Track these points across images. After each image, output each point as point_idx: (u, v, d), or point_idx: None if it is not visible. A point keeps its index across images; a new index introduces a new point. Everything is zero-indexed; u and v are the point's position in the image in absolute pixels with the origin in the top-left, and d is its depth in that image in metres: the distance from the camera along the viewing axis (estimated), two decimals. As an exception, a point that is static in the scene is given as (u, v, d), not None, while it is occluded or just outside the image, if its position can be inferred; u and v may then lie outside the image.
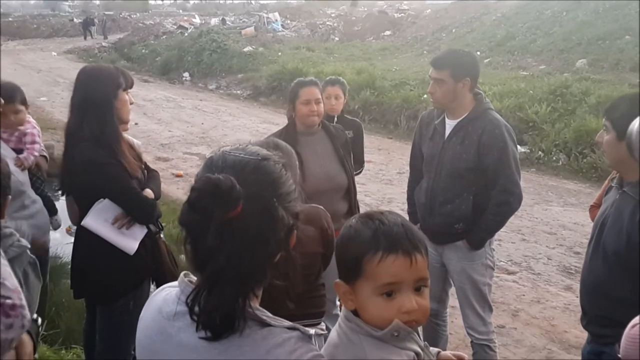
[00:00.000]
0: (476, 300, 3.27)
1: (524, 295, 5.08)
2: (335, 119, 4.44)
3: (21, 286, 1.77)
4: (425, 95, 12.53)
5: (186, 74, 20.82)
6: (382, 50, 22.41)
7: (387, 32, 26.46)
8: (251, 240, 1.13)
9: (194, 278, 1.23)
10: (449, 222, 3.25)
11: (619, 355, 2.34)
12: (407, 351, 1.28)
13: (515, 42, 17.89)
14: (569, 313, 4.74)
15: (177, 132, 12.08)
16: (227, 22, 29.18)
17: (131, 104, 2.92)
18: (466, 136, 3.19)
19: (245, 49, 21.06)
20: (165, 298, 1.27)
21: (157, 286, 3.05)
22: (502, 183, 3.16)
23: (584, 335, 4.38)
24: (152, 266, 2.91)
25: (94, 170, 2.72)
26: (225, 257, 1.12)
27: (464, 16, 23.89)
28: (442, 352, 1.46)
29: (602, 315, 2.46)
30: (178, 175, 8.73)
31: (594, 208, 3.35)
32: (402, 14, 29.24)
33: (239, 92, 18.03)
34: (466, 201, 3.20)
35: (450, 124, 3.26)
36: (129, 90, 2.93)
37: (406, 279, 1.26)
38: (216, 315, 1.11)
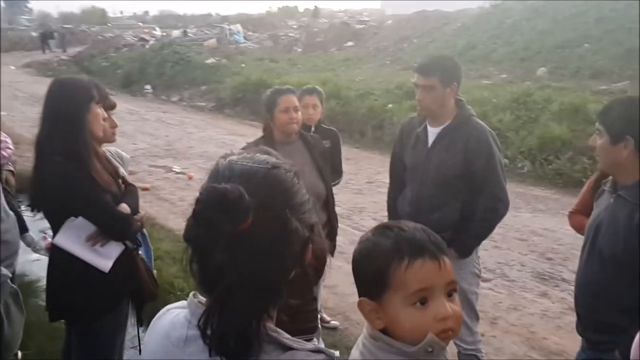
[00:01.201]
0: (464, 310, 3.19)
1: (500, 302, 5.07)
2: (313, 128, 4.37)
3: (1, 321, 1.63)
4: (390, 105, 12.60)
5: (148, 87, 20.53)
6: (345, 60, 22.49)
7: (350, 43, 26.59)
8: (264, 254, 1.04)
9: (204, 299, 1.12)
10: (436, 230, 3.18)
11: None
12: None
13: (476, 51, 18.14)
14: (547, 319, 4.75)
15: (142, 145, 11.85)
16: (189, 34, 28.98)
17: (104, 119, 2.79)
18: (451, 143, 3.16)
19: (208, 61, 20.90)
20: (172, 322, 1.15)
21: (136, 306, 2.94)
22: (490, 189, 3.14)
23: (564, 342, 4.44)
24: (130, 285, 2.78)
25: (65, 186, 2.59)
26: (236, 274, 1.02)
27: (425, 26, 24.18)
28: None
29: (600, 321, 2.44)
30: (144, 189, 8.53)
31: (573, 214, 3.35)
32: (364, 25, 29.46)
33: (203, 103, 17.84)
34: (453, 209, 3.17)
35: (433, 132, 3.22)
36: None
37: (437, 283, 1.21)
38: (230, 339, 1.01)
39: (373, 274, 1.24)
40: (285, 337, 1.07)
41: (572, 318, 4.53)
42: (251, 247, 1.03)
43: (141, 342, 3.31)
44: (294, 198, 1.10)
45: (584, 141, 9.23)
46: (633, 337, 2.24)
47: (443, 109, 3.18)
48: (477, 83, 14.35)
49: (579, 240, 5.86)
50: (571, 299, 4.87)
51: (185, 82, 19.76)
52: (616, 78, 12.70)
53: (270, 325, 1.08)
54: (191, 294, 1.14)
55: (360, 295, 1.28)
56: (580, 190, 3.35)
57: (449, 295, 1.23)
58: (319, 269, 2.52)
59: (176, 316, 1.16)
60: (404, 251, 1.21)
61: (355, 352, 1.28)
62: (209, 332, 1.03)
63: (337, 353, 1.08)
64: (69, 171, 2.60)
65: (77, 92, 2.68)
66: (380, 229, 1.29)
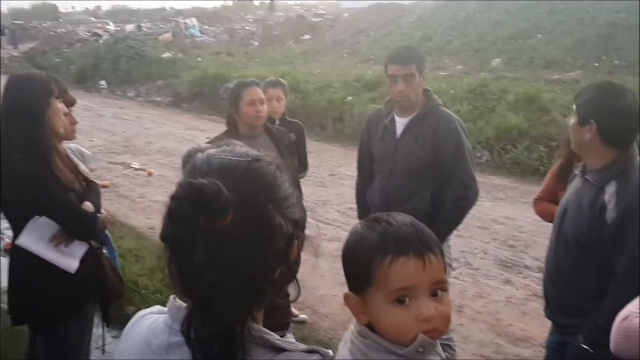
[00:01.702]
0: (437, 300, 3.24)
1: (466, 290, 5.13)
2: (277, 121, 4.33)
3: None
4: (349, 98, 12.63)
5: (103, 82, 20.09)
6: (302, 54, 22.44)
7: (307, 36, 26.53)
8: (246, 252, 0.97)
9: (184, 303, 1.05)
10: None
11: (583, 345, 2.37)
12: None
13: (432, 43, 18.33)
14: (511, 306, 4.83)
15: (99, 142, 11.58)
16: (143, 28, 28.45)
17: (64, 115, 2.70)
18: (420, 133, 3.16)
19: (164, 55, 20.58)
20: (150, 328, 1.08)
21: (102, 306, 2.86)
22: (460, 177, 3.16)
23: (529, 327, 4.51)
24: (96, 284, 2.70)
25: (28, 185, 2.49)
26: (216, 274, 0.95)
27: (381, 19, 24.29)
28: None
29: (566, 305, 2.48)
30: (103, 186, 8.33)
31: (538, 201, 3.40)
32: (320, 18, 29.41)
33: (159, 99, 17.56)
34: (424, 198, 3.17)
35: (401, 122, 3.22)
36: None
37: (420, 282, 1.16)
38: (213, 342, 0.95)
39: (357, 268, 1.21)
40: (277, 338, 1.02)
41: (536, 304, 4.65)
42: (232, 245, 0.97)
43: (106, 342, 3.23)
44: (276, 192, 1.04)
45: (539, 130, 9.44)
46: (595, 321, 2.29)
47: (417, 98, 3.18)
48: (434, 75, 14.48)
49: (539, 227, 6.00)
50: (534, 286, 5.00)
51: (141, 77, 19.41)
52: (568, 68, 13.00)
53: (260, 326, 1.03)
54: (171, 297, 1.08)
55: (349, 288, 1.24)
56: (537, 178, 3.41)
57: (435, 294, 1.18)
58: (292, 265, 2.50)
59: (154, 322, 1.09)
60: (389, 247, 1.17)
61: (343, 350, 1.24)
62: (192, 336, 0.97)
63: (330, 352, 1.04)
64: (31, 170, 2.50)
65: (36, 87, 2.58)
66: (370, 222, 1.25)
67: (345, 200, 7.34)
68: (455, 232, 6.54)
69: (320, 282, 4.98)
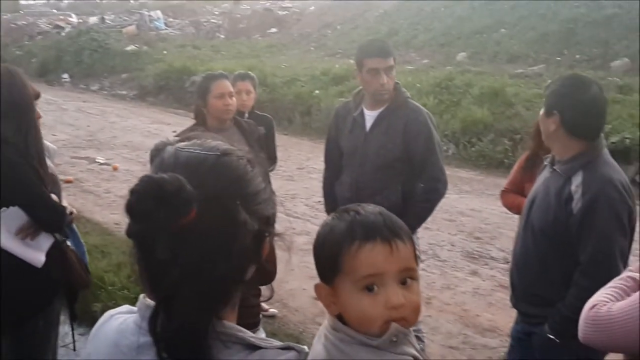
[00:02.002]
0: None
1: (434, 282, 5.19)
2: (247, 114, 4.31)
3: None
4: (317, 91, 12.62)
5: (66, 75, 19.67)
6: (269, 47, 22.30)
7: (273, 30, 26.39)
8: (209, 250, 0.95)
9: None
10: None
11: (549, 335, 2.42)
12: (406, 356, 1.17)
13: (398, 37, 18.39)
14: (478, 297, 4.90)
15: (62, 136, 11.35)
16: (107, 20, 27.92)
17: None
18: (390, 126, 3.18)
19: (128, 48, 20.23)
20: (120, 329, 1.05)
21: (69, 300, 2.81)
22: (430, 170, 3.19)
23: (496, 318, 4.59)
24: (63, 278, 2.65)
25: (10, 176, 2.46)
26: (179, 272, 0.93)
27: (347, 13, 24.28)
28: None
29: (532, 294, 2.52)
30: (67, 181, 8.19)
31: (505, 193, 3.46)
32: (287, 12, 29.27)
33: (124, 92, 17.28)
34: (394, 191, 3.20)
35: (371, 115, 3.23)
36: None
37: (388, 269, 1.15)
38: (178, 342, 0.93)
39: (327, 257, 1.20)
40: (251, 336, 1.01)
41: (502, 295, 4.73)
42: (195, 243, 0.94)
43: (75, 340, 3.18)
44: (246, 187, 1.02)
45: (504, 123, 9.58)
46: (560, 311, 2.34)
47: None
48: (401, 68, 14.54)
49: (505, 219, 6.11)
50: (501, 277, 5.08)
51: (104, 70, 19.07)
52: (532, 62, 13.20)
53: (233, 324, 1.02)
54: (141, 296, 1.05)
55: (320, 278, 1.24)
56: (502, 170, 3.48)
57: (404, 282, 1.17)
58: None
59: (124, 322, 1.07)
60: (356, 235, 1.17)
61: (317, 346, 1.22)
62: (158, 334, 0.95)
63: (305, 348, 1.03)
64: (17, 161, 2.49)
65: (24, 81, 2.60)
66: (340, 212, 1.25)
67: (314, 194, 7.35)
68: (423, 225, 6.64)
69: (289, 276, 4.98)
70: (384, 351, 1.16)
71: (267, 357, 0.97)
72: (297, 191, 7.97)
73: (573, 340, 1.83)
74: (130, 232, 0.97)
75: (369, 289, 1.15)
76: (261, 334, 3.81)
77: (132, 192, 0.94)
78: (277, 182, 8.42)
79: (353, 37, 19.94)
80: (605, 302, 1.73)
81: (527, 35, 14.49)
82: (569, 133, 2.40)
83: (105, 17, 29.77)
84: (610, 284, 1.82)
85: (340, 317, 1.21)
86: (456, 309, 4.74)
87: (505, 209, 3.54)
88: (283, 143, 10.89)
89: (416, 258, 1.22)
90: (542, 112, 2.51)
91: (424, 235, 6.24)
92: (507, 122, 9.44)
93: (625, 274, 1.86)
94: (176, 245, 0.94)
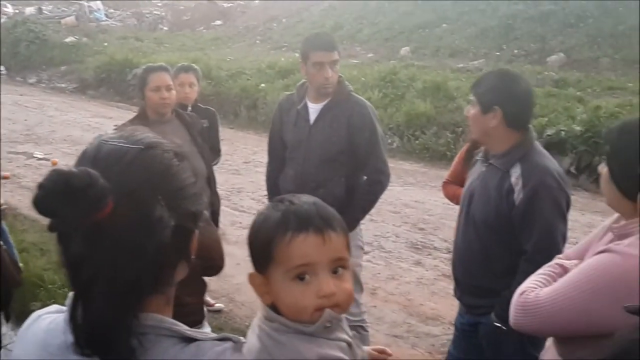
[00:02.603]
0: (351, 283, 3.31)
1: (379, 273, 5.27)
2: (190, 107, 4.25)
3: None
4: (263, 85, 12.57)
5: (2, 68, 18.92)
6: (214, 40, 22.05)
7: (218, 22, 26.09)
8: (124, 247, 0.93)
9: None
10: None
11: (496, 324, 2.49)
12: (340, 342, 1.19)
13: (343, 31, 18.48)
14: (422, 287, 5.01)
15: (-3, 131, 10.96)
16: (44, 11, 26.99)
17: None
18: (334, 119, 3.20)
19: (67, 40, 19.62)
20: (49, 329, 1.03)
21: (2, 300, 2.72)
22: (373, 163, 3.23)
23: (439, 306, 4.70)
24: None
25: None
26: (93, 268, 0.92)
27: (293, 6, 24.23)
28: (364, 347, 1.37)
29: (476, 286, 2.58)
30: (5, 177, 7.91)
31: (446, 184, 3.54)
32: (232, 4, 28.98)
33: (63, 85, 16.78)
34: (338, 184, 3.22)
35: (315, 108, 3.25)
36: None
37: (319, 259, 1.16)
38: (95, 338, 0.92)
39: (260, 247, 1.20)
40: (186, 328, 1.00)
41: (445, 284, 4.85)
42: (110, 238, 0.92)
43: (4, 340, 3.09)
44: (169, 182, 0.99)
45: (446, 117, 9.78)
46: (507, 299, 2.42)
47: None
48: (346, 62, 14.63)
49: (447, 210, 6.25)
50: (443, 266, 5.20)
51: (42, 63, 18.45)
52: (472, 56, 13.50)
53: (166, 317, 1.01)
54: (70, 293, 1.01)
55: (254, 268, 1.24)
56: (445, 162, 3.55)
57: (336, 271, 1.18)
58: (217, 260, 2.48)
59: (53, 322, 1.04)
60: (289, 225, 1.17)
61: (252, 337, 1.21)
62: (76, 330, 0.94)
63: (242, 339, 1.03)
64: None
65: None
66: (274, 202, 1.26)
67: (260, 188, 7.32)
68: (368, 217, 6.71)
69: (235, 270, 4.96)
70: (318, 338, 1.17)
71: (203, 349, 0.97)
72: (244, 185, 7.94)
73: None
74: (49, 227, 0.95)
75: (301, 278, 1.17)
76: (206, 328, 3.79)
77: (39, 186, 0.91)
78: (223, 176, 8.37)
79: (298, 30, 19.92)
80: (533, 289, 1.80)
81: (468, 30, 14.81)
82: (508, 126, 2.46)
83: (43, 7, 28.77)
84: (540, 270, 1.89)
85: (274, 307, 1.21)
86: (400, 298, 4.82)
87: (447, 200, 3.62)
88: (229, 137, 10.83)
89: (349, 248, 1.23)
90: (475, 110, 2.52)
91: (369, 227, 6.32)
92: (449, 116, 9.64)
93: (554, 260, 1.94)
94: (91, 240, 0.92)
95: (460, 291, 2.71)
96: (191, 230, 1.04)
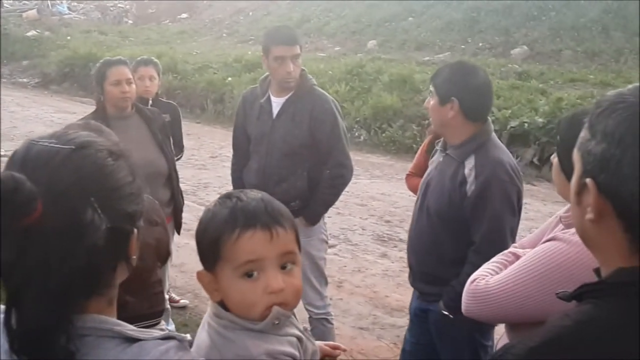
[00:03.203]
0: (314, 276, 3.32)
1: (345, 266, 5.30)
2: (150, 102, 4.20)
3: None
4: (229, 78, 12.48)
5: (-41, 62, 18.47)
6: (180, 33, 21.81)
7: (184, 15, 25.80)
8: (56, 250, 0.91)
9: None
10: (285, 200, 3.17)
11: (444, 312, 2.53)
12: (289, 337, 1.20)
13: (310, 24, 18.46)
14: (387, 279, 5.05)
15: (-45, 128, 10.70)
16: (5, 4, 26.35)
17: None
18: (296, 112, 3.20)
19: (29, 34, 19.24)
20: None
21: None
22: (335, 156, 3.24)
23: (404, 298, 4.73)
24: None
25: None
26: (24, 273, 0.90)
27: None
28: (317, 342, 1.38)
29: (428, 273, 2.62)
30: (-38, 176, 7.74)
31: (409, 176, 3.56)
32: (198, -3, 28.68)
33: (25, 80, 16.43)
34: (301, 178, 3.23)
35: (277, 102, 3.24)
36: None
37: (268, 255, 1.17)
38: (28, 342, 0.90)
39: (208, 244, 1.20)
40: (130, 329, 0.99)
41: (410, 275, 4.89)
42: (41, 242, 0.90)
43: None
44: (102, 183, 0.97)
45: (412, 109, 9.85)
46: (454, 288, 2.46)
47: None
48: (313, 56, 14.63)
49: (413, 202, 6.25)
50: (409, 258, 5.25)
51: (3, 57, 17.92)
52: (438, 49, 13.62)
53: (110, 318, 1.00)
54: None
55: (202, 266, 1.24)
56: (411, 155, 3.57)
57: (285, 267, 1.19)
58: (161, 250, 2.44)
59: None
60: (237, 221, 1.17)
61: (202, 334, 1.22)
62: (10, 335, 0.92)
63: (188, 336, 1.03)
64: None
65: None
66: (222, 199, 1.25)
67: (227, 182, 7.24)
68: (335, 210, 6.75)
69: (200, 266, 4.95)
70: (267, 334, 1.18)
71: (146, 349, 0.96)
72: (210, 180, 7.89)
73: (466, 316, 1.92)
74: None
75: (249, 275, 1.17)
76: (170, 325, 3.77)
77: None
78: (190, 171, 8.32)
79: (265, 23, 19.80)
80: (484, 276, 1.83)
81: (434, 23, 14.92)
82: (466, 118, 2.49)
83: (4, 0, 28.09)
84: (493, 259, 1.93)
85: (223, 304, 1.22)
86: (366, 291, 4.86)
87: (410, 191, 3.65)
88: (195, 131, 10.76)
89: (298, 243, 1.24)
90: (433, 102, 2.55)
91: (336, 221, 6.35)
92: (416, 109, 9.70)
93: (508, 250, 1.98)
94: (21, 245, 0.90)
95: (413, 277, 2.75)
96: (129, 231, 1.01)
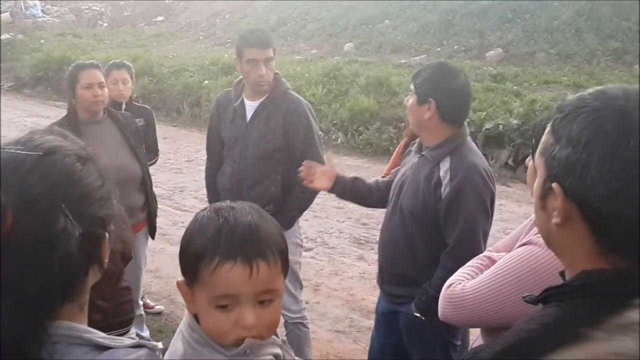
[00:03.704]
0: (289, 280, 3.30)
1: (322, 269, 5.29)
2: (124, 106, 4.16)
3: None
4: (206, 81, 12.42)
5: None
6: (156, 36, 21.66)
7: (160, 18, 25.64)
8: (29, 260, 0.90)
9: None
10: (258, 204, 3.20)
11: (416, 314, 2.54)
12: (265, 356, 1.18)
13: (287, 27, 18.46)
14: (364, 281, 5.05)
15: None
16: (-25, 6, 25.95)
17: None
18: (270, 116, 3.18)
19: (2, 37, 18.93)
20: None
21: None
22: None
23: (380, 299, 4.75)
24: None
25: None
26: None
27: (236, 2, 24.02)
28: None
29: (399, 274, 2.62)
30: None
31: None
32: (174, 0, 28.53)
33: (-3, 84, 16.19)
34: (275, 182, 3.21)
35: (251, 106, 3.22)
36: None
37: (244, 291, 1.12)
38: (6, 352, 0.89)
39: (189, 260, 1.17)
40: (101, 336, 0.97)
41: (387, 277, 4.91)
42: (13, 253, 0.89)
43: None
44: (72, 189, 0.95)
45: (389, 112, 9.89)
46: (427, 291, 2.46)
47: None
48: (290, 58, 14.63)
49: (389, 204, 6.23)
50: (385, 260, 5.26)
51: (-26, 61, 17.76)
52: (414, 52, 13.69)
53: (80, 325, 0.99)
54: None
55: (182, 275, 1.22)
56: (388, 157, 3.58)
57: (262, 301, 1.15)
58: (127, 257, 2.42)
59: None
60: (219, 248, 1.12)
61: (177, 342, 1.20)
62: None
63: (160, 345, 1.02)
64: None
65: None
66: (213, 212, 1.19)
67: (203, 187, 7.13)
68: (312, 213, 6.74)
69: (177, 271, 4.88)
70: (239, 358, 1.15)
71: (115, 357, 0.95)
72: (186, 184, 7.83)
73: (437, 318, 1.93)
74: None
75: (223, 306, 1.14)
76: (145, 331, 3.74)
77: None
78: (166, 175, 8.26)
79: (242, 26, 19.73)
80: (460, 281, 1.84)
81: (409, 26, 15.00)
82: (442, 119, 2.50)
83: (-25, 3, 27.68)
84: (468, 263, 1.93)
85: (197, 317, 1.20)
86: (343, 294, 4.86)
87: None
88: (172, 135, 10.68)
89: (285, 272, 1.20)
90: (412, 101, 2.56)
91: (313, 224, 6.35)
92: (392, 111, 9.74)
93: (483, 254, 1.98)
94: None
95: (382, 279, 2.74)
96: (100, 235, 1.01)
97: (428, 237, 2.50)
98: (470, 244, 2.37)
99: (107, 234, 1.02)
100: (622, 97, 0.96)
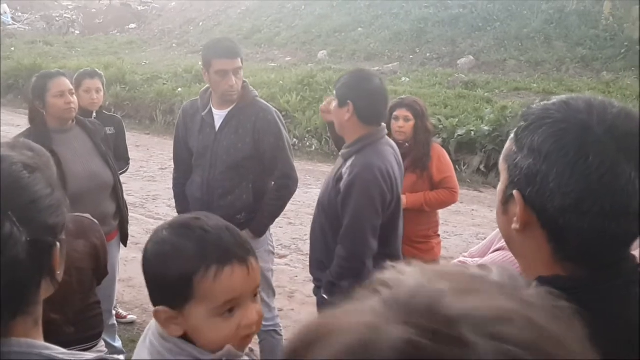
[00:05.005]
0: (262, 288, 3.30)
1: (297, 276, 5.29)
2: (94, 114, 4.13)
3: None
4: (179, 89, 12.37)
5: None
6: (128, 44, 21.52)
7: (133, 25, 25.48)
8: None
9: None
10: (230, 214, 3.18)
11: (323, 295, 2.76)
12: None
13: (261, 35, 18.47)
14: (338, 287, 5.06)
15: None
16: (-57, 13, 25.51)
17: None
18: (239, 125, 3.19)
19: (-30, 44, 18.64)
20: None
21: None
22: (280, 168, 3.24)
23: (354, 305, 4.76)
24: None
25: None
26: None
27: (210, 9, 23.97)
28: None
29: (318, 260, 2.86)
30: None
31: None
32: (146, 7, 28.36)
33: (-35, 92, 15.91)
34: (246, 190, 3.22)
35: (220, 114, 3.22)
36: None
37: (245, 291, 1.14)
38: None
39: (174, 282, 1.13)
40: (60, 352, 0.96)
41: (360, 283, 4.92)
42: None
43: None
44: (19, 196, 0.94)
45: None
46: (330, 275, 2.68)
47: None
48: (265, 66, 14.64)
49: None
50: (359, 266, 5.28)
51: (-58, 69, 17.45)
52: (387, 60, 13.81)
53: (39, 342, 0.97)
54: None
55: (153, 300, 1.18)
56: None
57: (254, 295, 1.18)
58: (101, 271, 2.41)
59: None
60: (211, 258, 1.11)
61: (142, 350, 1.19)
62: None
63: (122, 357, 1.01)
64: None
65: None
66: (180, 229, 1.17)
67: (176, 195, 7.21)
68: (286, 220, 6.74)
69: (149, 279, 4.87)
70: None
71: None
72: (159, 192, 7.77)
73: (337, 298, 2.01)
74: None
75: (229, 311, 1.14)
76: (117, 342, 3.70)
77: None
78: (139, 184, 8.20)
79: (215, 33, 19.70)
80: None
81: (382, 34, 15.13)
82: (359, 120, 2.69)
83: (-58, 10, 27.21)
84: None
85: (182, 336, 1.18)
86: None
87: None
88: (145, 143, 10.60)
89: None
90: (334, 104, 2.76)
91: (287, 231, 6.35)
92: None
93: (459, 258, 2.03)
94: None
95: (310, 265, 2.99)
96: (50, 243, 0.99)
97: (334, 227, 2.72)
98: (357, 236, 2.61)
99: (58, 243, 1.00)
100: (585, 110, 0.98)
